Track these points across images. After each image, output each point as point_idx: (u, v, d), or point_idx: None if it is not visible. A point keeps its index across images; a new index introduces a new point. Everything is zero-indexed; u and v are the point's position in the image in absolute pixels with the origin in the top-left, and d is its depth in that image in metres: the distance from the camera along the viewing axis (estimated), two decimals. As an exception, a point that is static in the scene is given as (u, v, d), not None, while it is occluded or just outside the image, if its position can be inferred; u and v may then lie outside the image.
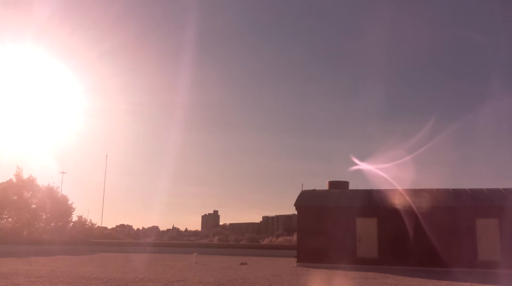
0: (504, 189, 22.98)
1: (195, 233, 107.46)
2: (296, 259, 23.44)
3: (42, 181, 42.94)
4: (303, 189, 25.44)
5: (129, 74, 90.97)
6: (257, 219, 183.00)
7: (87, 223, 49.67)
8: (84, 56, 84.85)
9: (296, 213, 24.59)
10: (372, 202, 23.56)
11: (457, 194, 23.08)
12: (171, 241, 53.16)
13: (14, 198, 40.11)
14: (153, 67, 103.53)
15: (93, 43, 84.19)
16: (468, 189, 23.42)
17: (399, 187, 24.05)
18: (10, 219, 40.41)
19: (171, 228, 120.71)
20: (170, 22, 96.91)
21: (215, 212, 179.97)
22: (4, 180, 40.85)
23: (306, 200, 24.31)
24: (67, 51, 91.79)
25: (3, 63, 66.94)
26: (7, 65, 66.80)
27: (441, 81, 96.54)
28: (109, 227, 66.18)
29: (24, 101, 72.79)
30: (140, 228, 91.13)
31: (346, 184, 26.22)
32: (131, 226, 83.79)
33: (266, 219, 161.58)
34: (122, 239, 49.56)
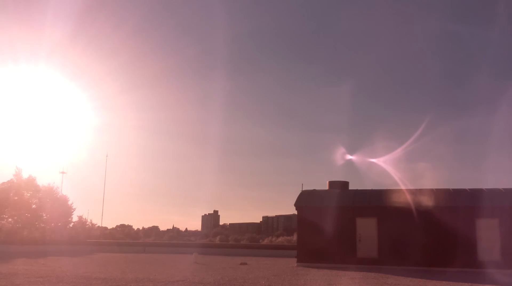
0: (504, 189, 22.99)
1: (195, 233, 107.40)
2: (296, 259, 23.44)
3: (42, 182, 43.03)
4: (303, 189, 25.45)
5: (136, 90, 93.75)
6: (257, 219, 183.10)
7: (88, 223, 49.75)
8: (94, 74, 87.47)
9: (296, 213, 24.61)
10: (372, 202, 23.57)
11: (457, 194, 23.08)
12: (171, 241, 53.07)
13: (15, 198, 40.11)
14: (158, 84, 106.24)
15: (103, 61, 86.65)
16: (468, 189, 23.42)
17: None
18: (10, 219, 40.39)
19: (171, 228, 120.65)
20: (176, 41, 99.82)
21: (215, 212, 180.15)
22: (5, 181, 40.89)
23: (306, 200, 24.32)
24: (78, 69, 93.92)
25: (17, 81, 70.56)
26: (21, 83, 70.17)
27: (438, 79, 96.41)
28: (109, 227, 66.06)
29: (36, 116, 76.76)
30: (140, 228, 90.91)
31: (346, 184, 26.23)
32: (131, 226, 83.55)
33: (266, 219, 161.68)
34: (122, 239, 49.54)
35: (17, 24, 67.78)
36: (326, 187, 26.27)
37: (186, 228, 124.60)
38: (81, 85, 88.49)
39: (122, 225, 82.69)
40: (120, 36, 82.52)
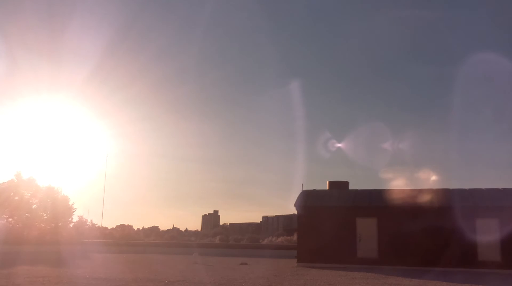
0: (504, 189, 23.00)
1: (195, 233, 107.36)
2: (296, 259, 23.45)
3: (43, 182, 43.00)
4: (303, 189, 25.46)
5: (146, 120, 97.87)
6: (257, 219, 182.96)
7: (88, 223, 49.70)
8: (110, 103, 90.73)
9: (296, 213, 24.62)
10: (372, 202, 23.57)
11: (457, 194, 23.09)
12: (171, 241, 53.08)
13: (15, 198, 40.10)
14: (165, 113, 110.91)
15: (119, 90, 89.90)
16: (468, 189, 23.43)
17: (397, 186, 24.18)
18: (10, 219, 40.37)
19: (171, 228, 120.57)
20: (185, 71, 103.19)
21: (215, 212, 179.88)
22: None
23: (306, 200, 24.32)
24: (96, 98, 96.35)
25: (37, 111, 74.89)
26: (41, 113, 74.92)
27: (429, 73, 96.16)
28: (109, 227, 65.96)
29: (54, 143, 79.85)
30: (140, 228, 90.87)
31: (346, 184, 26.25)
32: (131, 226, 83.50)
33: (266, 219, 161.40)
34: (122, 239, 49.50)
35: (41, 59, 71.73)
36: (326, 187, 26.29)
37: (186, 228, 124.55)
38: (99, 114, 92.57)
39: (122, 225, 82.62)
40: (135, 66, 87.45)
